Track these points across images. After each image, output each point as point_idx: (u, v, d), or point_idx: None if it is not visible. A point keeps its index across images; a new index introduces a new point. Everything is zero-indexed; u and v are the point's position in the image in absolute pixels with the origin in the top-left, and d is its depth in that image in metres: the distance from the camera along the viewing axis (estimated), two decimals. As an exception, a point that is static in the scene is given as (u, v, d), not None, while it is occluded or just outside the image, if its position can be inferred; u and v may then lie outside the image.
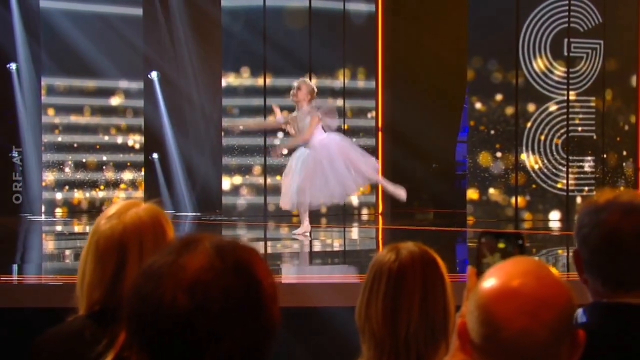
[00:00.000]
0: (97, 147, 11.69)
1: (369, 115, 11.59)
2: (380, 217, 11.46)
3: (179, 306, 1.23)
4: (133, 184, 11.83)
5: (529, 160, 10.40)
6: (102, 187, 11.75)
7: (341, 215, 11.23)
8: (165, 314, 1.24)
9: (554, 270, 1.32)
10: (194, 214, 11.73)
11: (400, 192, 8.43)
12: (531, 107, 10.41)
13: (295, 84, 8.28)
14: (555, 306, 1.26)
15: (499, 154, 10.49)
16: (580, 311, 1.71)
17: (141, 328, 1.26)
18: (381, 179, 8.71)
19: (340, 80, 11.34)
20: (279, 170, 11.20)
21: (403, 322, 1.90)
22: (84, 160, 11.64)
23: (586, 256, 1.73)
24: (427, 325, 1.91)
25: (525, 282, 1.27)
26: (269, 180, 11.19)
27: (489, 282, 1.29)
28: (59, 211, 11.53)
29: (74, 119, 11.57)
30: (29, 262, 7.13)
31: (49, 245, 8.79)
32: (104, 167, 11.73)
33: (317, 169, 8.07)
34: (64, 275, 5.48)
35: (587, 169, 10.48)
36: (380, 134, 11.71)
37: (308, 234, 8.31)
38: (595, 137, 10.47)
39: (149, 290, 1.26)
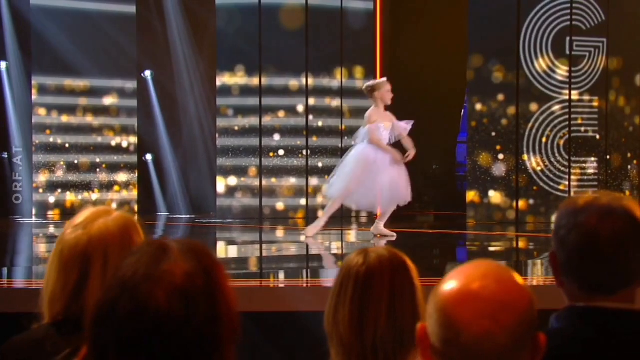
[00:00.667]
0: (91, 148, 11.47)
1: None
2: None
3: (169, 311, 1.24)
4: (127, 186, 11.63)
5: (531, 161, 10.21)
6: (95, 189, 11.53)
7: (339, 217, 11.04)
8: (154, 319, 1.23)
9: (515, 274, 1.30)
10: (188, 216, 11.53)
11: (389, 235, 8.17)
12: (533, 107, 10.22)
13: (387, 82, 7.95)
14: (516, 310, 1.25)
15: (500, 156, 10.29)
16: (554, 316, 1.69)
17: (117, 336, 1.24)
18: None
19: (337, 80, 11.13)
20: (274, 172, 11.01)
21: (370, 327, 1.86)
22: (76, 162, 11.42)
23: (563, 258, 1.71)
24: (396, 331, 1.87)
25: (485, 285, 1.26)
26: (264, 182, 10.98)
27: (449, 284, 1.28)
28: (50, 214, 11.32)
29: (65, 119, 11.36)
30: (5, 266, 6.89)
31: (32, 248, 8.57)
32: (97, 168, 11.51)
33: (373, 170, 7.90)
34: (39, 280, 5.27)
35: (590, 170, 10.28)
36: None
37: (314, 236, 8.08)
38: (598, 137, 10.28)
39: (129, 297, 1.25)
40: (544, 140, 10.21)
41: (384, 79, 8.12)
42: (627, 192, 10.46)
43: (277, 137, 10.91)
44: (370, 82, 8.11)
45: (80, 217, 2.04)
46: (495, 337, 1.23)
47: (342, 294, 1.91)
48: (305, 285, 5.46)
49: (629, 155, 10.43)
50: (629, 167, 10.44)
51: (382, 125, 7.97)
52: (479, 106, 10.33)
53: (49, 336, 1.93)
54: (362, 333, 1.87)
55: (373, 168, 7.90)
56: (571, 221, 1.70)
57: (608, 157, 10.31)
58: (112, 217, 2.03)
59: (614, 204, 1.71)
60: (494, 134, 10.25)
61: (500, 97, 10.28)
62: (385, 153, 8.02)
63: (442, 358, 1.26)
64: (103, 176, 11.51)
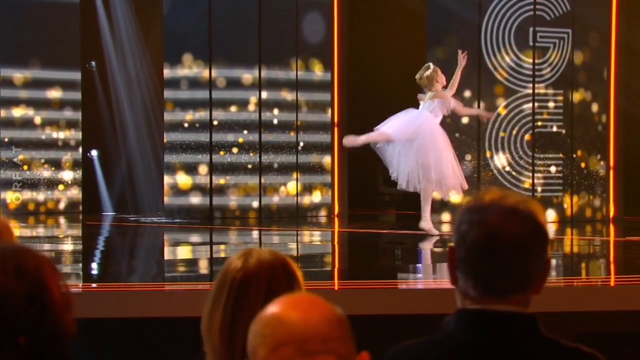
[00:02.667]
0: (32, 143, 10.91)
1: (325, 109, 10.91)
2: (336, 219, 10.82)
3: None
4: (70, 183, 11.09)
5: (494, 158, 9.84)
6: (35, 186, 10.95)
7: (295, 217, 10.60)
8: None
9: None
10: (134, 216, 11.03)
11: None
12: (495, 102, 9.83)
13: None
14: (333, 310, 1.35)
15: (460, 151, 9.88)
16: (445, 319, 1.69)
17: None
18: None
19: (293, 72, 10.63)
20: (225, 169, 10.49)
21: (240, 335, 1.78)
22: (16, 158, 10.84)
23: (461, 255, 1.68)
24: None
25: (294, 312, 1.34)
26: (214, 180, 10.45)
27: (268, 310, 1.36)
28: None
29: (3, 113, 10.79)
30: None
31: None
32: (38, 165, 10.93)
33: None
34: None
35: (555, 167, 9.93)
36: (336, 129, 11.00)
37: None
38: (563, 133, 9.92)
39: None
40: (506, 135, 9.84)
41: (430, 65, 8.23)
42: (599, 191, 10.10)
43: (228, 132, 10.40)
44: (427, 73, 8.15)
45: None
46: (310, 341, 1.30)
47: (217, 299, 1.85)
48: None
49: (595, 150, 10.08)
50: (595, 162, 10.07)
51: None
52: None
53: None
54: (233, 340, 1.81)
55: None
56: (474, 217, 1.67)
57: (574, 153, 9.97)
58: None
59: (519, 205, 1.67)
60: (457, 134, 9.84)
61: (461, 89, 9.87)
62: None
63: None
64: (45, 173, 10.95)
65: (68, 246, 8.56)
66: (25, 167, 10.88)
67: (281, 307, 1.34)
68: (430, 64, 8.26)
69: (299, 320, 1.32)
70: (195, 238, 9.33)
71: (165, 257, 7.83)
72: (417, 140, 7.93)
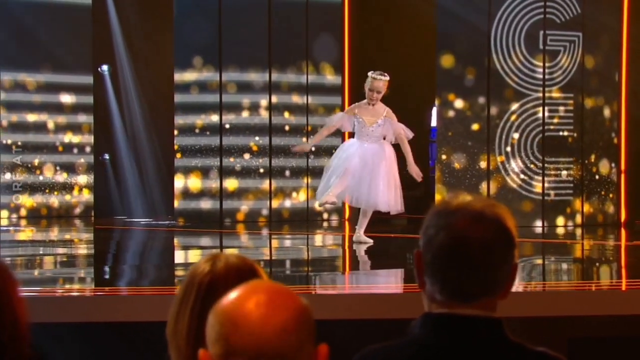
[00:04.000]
0: (44, 148, 10.95)
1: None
2: (346, 224, 10.80)
3: None
4: (83, 187, 11.13)
5: (503, 163, 9.78)
6: (47, 190, 10.99)
7: (305, 221, 10.60)
8: None
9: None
10: (145, 219, 11.06)
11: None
12: (504, 106, 9.77)
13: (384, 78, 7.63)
14: (290, 316, 1.33)
15: (470, 157, 9.83)
16: (411, 323, 1.70)
17: None
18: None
19: (303, 76, 10.64)
20: (235, 173, 10.50)
21: (206, 342, 1.73)
22: (28, 162, 10.88)
23: (428, 259, 1.69)
24: None
25: (260, 297, 1.35)
26: (225, 184, 10.47)
27: (224, 301, 1.37)
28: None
29: (15, 118, 10.84)
30: None
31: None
32: (51, 169, 10.98)
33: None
34: None
35: (565, 171, 9.86)
36: (346, 133, 10.99)
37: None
38: (574, 137, 9.84)
39: None
40: (515, 140, 9.77)
41: (378, 75, 7.72)
42: (611, 195, 10.02)
43: (238, 136, 10.41)
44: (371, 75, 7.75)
45: None
46: (271, 344, 1.31)
47: (184, 302, 1.83)
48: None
49: (605, 154, 10.00)
50: (606, 166, 10.00)
51: (362, 118, 7.76)
52: (448, 104, 9.89)
53: None
54: (199, 344, 1.70)
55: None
56: (441, 221, 1.68)
57: (584, 157, 9.89)
58: None
59: (487, 210, 1.67)
60: (462, 136, 9.80)
61: (471, 95, 9.83)
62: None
63: None
64: (57, 177, 11.00)
65: (75, 250, 8.59)
66: (39, 172, 10.93)
67: (240, 306, 1.32)
68: (376, 74, 7.74)
69: (256, 328, 1.30)
70: (203, 242, 9.33)
71: (167, 262, 7.83)
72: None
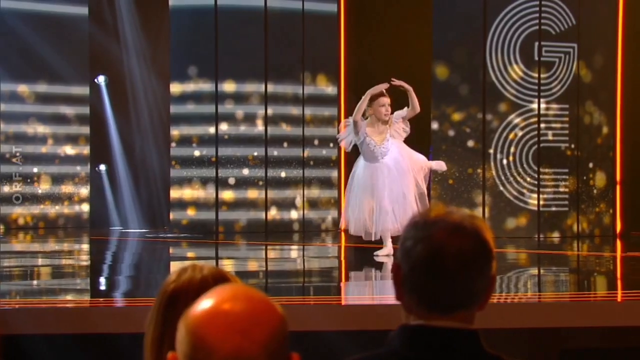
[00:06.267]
0: (40, 158, 10.95)
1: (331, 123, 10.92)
2: (342, 235, 10.79)
3: None
4: (79, 198, 11.12)
5: (498, 173, 9.78)
6: (44, 202, 10.99)
7: (300, 231, 10.59)
8: None
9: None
10: (141, 230, 11.04)
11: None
12: (500, 117, 9.77)
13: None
14: (267, 325, 1.31)
15: (465, 167, 9.83)
16: (388, 336, 1.70)
17: None
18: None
19: (299, 86, 10.65)
20: (231, 184, 10.50)
21: (166, 352, 1.67)
22: (25, 173, 10.88)
23: (406, 270, 1.68)
24: None
25: (235, 304, 1.32)
26: (220, 195, 10.47)
27: (199, 306, 1.33)
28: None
29: (13, 128, 10.84)
30: None
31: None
32: (48, 180, 10.97)
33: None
34: None
35: (560, 183, 9.86)
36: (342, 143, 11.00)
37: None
38: (569, 149, 9.84)
39: None
40: (511, 151, 9.77)
41: (379, 89, 7.62)
42: (606, 206, 10.02)
43: (234, 146, 10.41)
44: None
45: None
46: (247, 352, 1.29)
47: (152, 313, 1.84)
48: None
49: (601, 166, 10.00)
50: (601, 178, 10.00)
51: (372, 139, 7.57)
52: (443, 114, 9.89)
53: None
54: (161, 355, 1.77)
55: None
56: (419, 234, 1.67)
57: (579, 169, 9.88)
58: None
59: (465, 221, 1.66)
60: (459, 148, 9.79)
61: (466, 105, 9.84)
62: None
63: None
64: (54, 188, 10.99)
65: (69, 261, 8.57)
66: (36, 184, 10.92)
67: (209, 322, 1.28)
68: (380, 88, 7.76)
69: (225, 351, 1.26)
70: (197, 253, 9.30)
71: (161, 273, 7.81)
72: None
